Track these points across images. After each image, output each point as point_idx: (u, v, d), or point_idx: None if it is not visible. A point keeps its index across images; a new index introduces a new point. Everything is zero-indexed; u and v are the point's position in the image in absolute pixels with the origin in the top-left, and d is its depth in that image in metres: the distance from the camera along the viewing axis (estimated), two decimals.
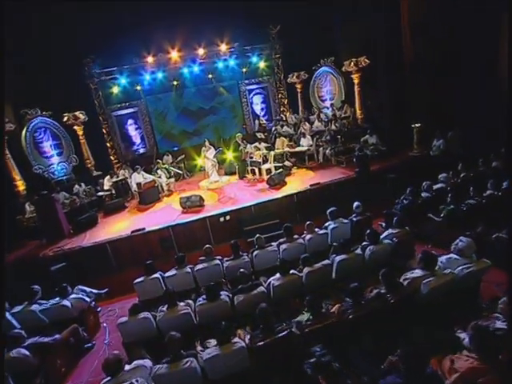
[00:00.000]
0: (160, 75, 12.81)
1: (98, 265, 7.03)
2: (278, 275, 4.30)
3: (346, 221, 5.64)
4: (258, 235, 5.41)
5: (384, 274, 3.65)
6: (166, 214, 8.51)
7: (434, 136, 8.98)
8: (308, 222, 5.56)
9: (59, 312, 4.55)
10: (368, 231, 4.76)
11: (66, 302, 4.65)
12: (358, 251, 4.64)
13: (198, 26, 12.34)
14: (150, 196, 9.76)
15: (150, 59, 12.43)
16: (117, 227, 8.10)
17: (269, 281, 4.28)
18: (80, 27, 10.92)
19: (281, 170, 9.11)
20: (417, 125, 9.06)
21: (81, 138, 11.44)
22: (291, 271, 4.34)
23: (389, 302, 3.43)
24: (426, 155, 9.11)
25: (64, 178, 10.87)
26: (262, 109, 14.15)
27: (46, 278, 6.31)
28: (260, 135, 12.03)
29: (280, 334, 3.11)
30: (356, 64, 10.54)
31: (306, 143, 10.52)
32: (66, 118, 11.03)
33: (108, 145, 12.92)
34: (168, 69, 12.81)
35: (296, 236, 5.47)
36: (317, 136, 10.70)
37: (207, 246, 5.27)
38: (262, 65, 13.60)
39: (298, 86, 13.08)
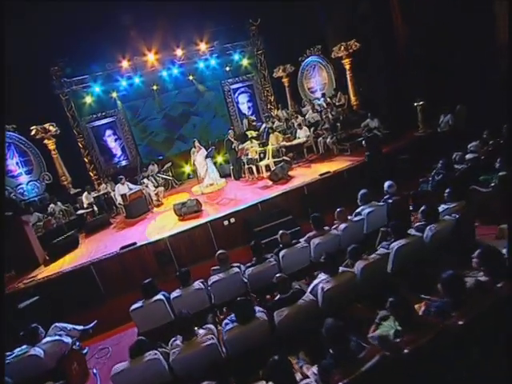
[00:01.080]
0: (137, 80, 11.66)
1: (82, 293, 5.64)
2: (324, 276, 3.16)
3: (380, 203, 4.58)
4: (281, 231, 4.27)
5: (482, 256, 2.58)
6: (158, 224, 7.22)
7: (442, 112, 8.20)
8: (338, 209, 4.47)
9: (27, 365, 3.16)
10: (423, 208, 3.71)
11: (37, 350, 3.24)
12: (415, 233, 3.57)
13: (175, 26, 11.31)
14: (137, 208, 8.46)
15: (125, 63, 11.24)
16: (102, 246, 6.73)
17: (314, 284, 3.13)
18: (42, 29, 9.65)
19: (282, 163, 8.03)
20: (420, 103, 8.26)
21: (53, 152, 9.99)
22: (340, 269, 3.20)
23: (503, 292, 2.34)
24: (432, 133, 8.30)
25: (36, 198, 9.38)
26: (249, 107, 13.21)
27: (16, 319, 4.89)
28: (251, 134, 10.99)
29: (369, 364, 1.95)
30: (346, 48, 9.73)
31: (303, 135, 9.52)
32: (34, 132, 9.60)
33: (86, 159, 11.51)
34: (145, 73, 11.66)
35: (326, 228, 4.35)
36: (313, 127, 9.73)
37: (221, 251, 4.06)
38: (244, 62, 12.76)
39: (285, 79, 12.21)
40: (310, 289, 3.17)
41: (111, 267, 5.94)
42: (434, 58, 8.66)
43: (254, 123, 11.96)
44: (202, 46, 11.74)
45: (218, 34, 11.89)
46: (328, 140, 8.96)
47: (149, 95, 12.07)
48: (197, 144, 8.93)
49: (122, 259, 5.99)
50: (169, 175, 10.97)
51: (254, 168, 8.96)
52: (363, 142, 7.51)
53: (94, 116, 11.64)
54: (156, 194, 9.41)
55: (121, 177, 9.09)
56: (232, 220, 6.48)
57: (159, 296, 3.59)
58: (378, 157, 7.14)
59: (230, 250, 6.28)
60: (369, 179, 6.86)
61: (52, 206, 8.68)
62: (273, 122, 10.96)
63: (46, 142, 9.89)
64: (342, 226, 4.24)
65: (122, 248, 6.06)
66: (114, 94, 11.63)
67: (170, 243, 6.21)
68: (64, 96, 10.97)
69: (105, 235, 7.66)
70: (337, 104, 10.08)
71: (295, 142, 9.42)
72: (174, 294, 3.59)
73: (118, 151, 12.16)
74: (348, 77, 10.18)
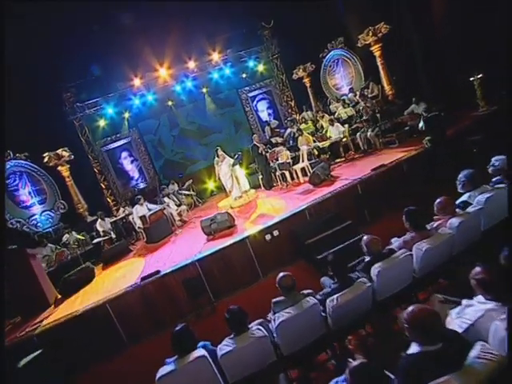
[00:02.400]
0: (150, 97, 10.89)
1: (98, 340, 4.36)
2: (477, 303, 1.73)
3: (502, 185, 3.13)
4: (368, 236, 2.87)
5: None
6: (185, 247, 5.97)
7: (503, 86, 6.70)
8: (439, 200, 3.04)
9: None
10: None
11: None
12: None
13: (185, 38, 10.52)
14: (159, 230, 7.30)
15: (137, 81, 10.52)
16: (120, 278, 5.48)
17: (476, 318, 1.70)
18: (50, 55, 9.00)
19: (322, 163, 6.70)
20: (478, 76, 6.84)
21: (67, 179, 9.11)
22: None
23: None
24: (498, 110, 6.80)
25: (50, 229, 8.37)
26: (270, 114, 12.12)
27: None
28: (275, 140, 9.82)
29: None
30: (374, 33, 8.52)
31: (336, 132, 8.21)
32: (46, 159, 8.78)
33: (102, 185, 10.65)
34: (158, 89, 10.89)
35: (428, 227, 2.93)
36: (347, 123, 8.43)
37: (284, 275, 2.71)
38: (260, 68, 11.79)
39: (306, 79, 11.11)
40: (465, 325, 1.73)
41: (132, 304, 4.65)
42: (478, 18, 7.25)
43: (278, 129, 10.78)
44: (215, 56, 10.96)
45: (230, 41, 11.09)
46: (369, 133, 7.60)
47: (163, 112, 11.26)
48: (220, 152, 7.74)
49: (144, 293, 4.71)
50: (191, 192, 9.82)
51: (288, 173, 7.66)
52: (420, 125, 6.11)
53: (109, 139, 10.89)
54: (179, 214, 8.24)
55: (139, 197, 8.01)
56: (275, 233, 5.13)
57: (199, 352, 2.24)
58: (442, 140, 5.69)
59: (275, 271, 4.98)
60: (434, 168, 5.44)
61: (66, 236, 7.65)
62: (300, 123, 9.78)
63: (59, 168, 9.05)
64: (454, 221, 2.81)
65: (144, 279, 4.78)
66: (127, 115, 10.88)
67: (201, 268, 4.89)
68: (77, 121, 10.31)
69: (124, 265, 6.43)
70: (369, 96, 8.77)
71: (329, 140, 8.09)
72: (224, 349, 2.23)
73: (135, 173, 11.26)
74: (379, 64, 8.91)
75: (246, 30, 11.19)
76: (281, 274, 2.76)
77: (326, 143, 8.06)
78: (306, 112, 10.56)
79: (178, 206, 8.57)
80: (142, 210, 7.79)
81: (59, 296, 5.54)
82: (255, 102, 12.10)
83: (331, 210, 5.29)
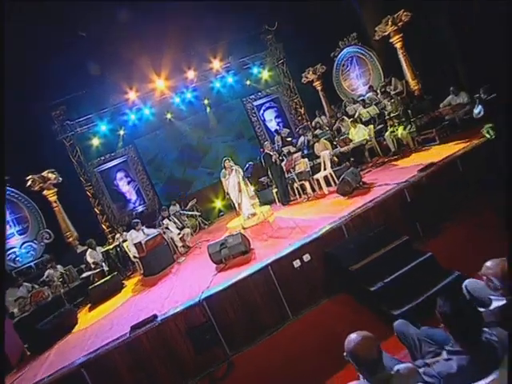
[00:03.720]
0: (147, 111, 10.14)
1: None
2: None
3: None
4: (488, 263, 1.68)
5: None
6: (189, 280, 4.79)
7: None
8: (495, 263, 1.83)
9: None
10: None
11: None
12: None
13: (183, 46, 9.86)
14: (158, 259, 6.18)
15: (132, 95, 9.76)
16: (107, 326, 4.28)
17: None
18: (36, 68, 8.25)
19: (352, 168, 5.58)
20: None
21: (54, 204, 8.09)
22: None
23: None
24: None
25: (32, 263, 7.25)
26: (278, 124, 11.26)
27: None
28: (288, 149, 8.81)
29: None
30: (394, 22, 7.64)
31: (360, 134, 7.16)
32: (30, 182, 7.80)
33: (96, 210, 9.63)
34: (156, 102, 10.14)
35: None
36: (373, 123, 7.41)
37: (359, 336, 1.51)
38: (265, 75, 11.11)
39: (317, 82, 10.25)
40: None
41: (118, 365, 3.43)
42: None
43: (289, 139, 9.80)
44: (216, 64, 10.26)
45: (231, 47, 10.37)
46: (400, 132, 6.51)
47: (161, 126, 10.46)
48: (228, 163, 6.68)
49: (134, 348, 3.49)
50: (195, 213, 8.73)
51: (308, 184, 6.56)
52: (477, 111, 5.02)
53: (103, 158, 10.05)
54: (181, 239, 7.10)
55: (136, 220, 6.87)
56: (306, 258, 3.95)
57: None
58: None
59: (308, 308, 3.80)
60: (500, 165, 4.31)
61: (49, 271, 6.47)
62: (314, 130, 8.79)
63: (45, 193, 8.05)
64: None
65: (135, 328, 3.58)
66: (122, 132, 10.08)
67: (211, 310, 3.69)
68: (68, 141, 9.48)
69: (114, 305, 5.23)
70: (392, 93, 7.77)
71: (352, 144, 7.01)
72: None
73: (132, 195, 10.31)
74: (401, 57, 7.97)
75: (248, 35, 10.46)
76: (353, 336, 1.57)
77: (350, 147, 6.97)
78: (320, 117, 9.63)
79: (181, 229, 7.44)
80: (137, 235, 6.66)
81: (28, 353, 4.32)
82: (262, 111, 11.31)
83: (375, 223, 4.11)
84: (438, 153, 5.33)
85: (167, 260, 6.39)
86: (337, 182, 6.17)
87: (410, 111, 6.67)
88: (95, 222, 9.54)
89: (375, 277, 3.26)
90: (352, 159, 7.19)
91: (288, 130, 10.27)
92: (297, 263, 3.95)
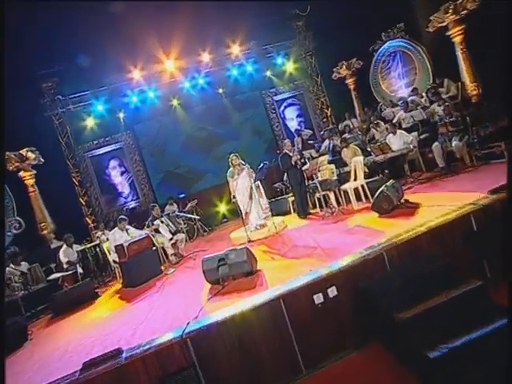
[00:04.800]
0: (152, 94, 9.56)
1: None
2: None
3: None
4: None
5: None
6: (174, 302, 4.01)
7: None
8: None
9: None
10: None
11: None
12: None
13: (199, 24, 9.22)
14: (141, 268, 5.47)
15: (136, 74, 9.20)
16: (57, 356, 3.50)
17: None
18: (30, 31, 7.68)
19: (393, 182, 4.75)
20: None
21: (31, 189, 7.46)
22: None
23: None
24: None
25: None
26: (300, 124, 10.59)
27: None
28: (309, 154, 8.11)
29: None
30: (455, 11, 6.83)
31: (400, 143, 6.36)
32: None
33: (82, 201, 9.04)
34: (162, 85, 9.58)
35: None
36: (415, 131, 6.62)
37: None
38: (290, 67, 10.47)
39: (350, 80, 9.54)
40: None
41: None
42: None
43: (311, 141, 9.10)
44: (235, 49, 9.72)
45: (254, 32, 9.64)
46: (455, 143, 5.68)
47: (166, 113, 9.87)
48: (237, 161, 5.97)
49: None
50: (194, 216, 8.02)
51: (332, 196, 5.78)
52: None
53: (95, 143, 9.46)
54: (173, 245, 6.38)
55: (122, 217, 6.15)
56: (332, 291, 3.14)
57: None
58: None
59: (329, 364, 3.00)
60: None
61: (10, 269, 5.76)
62: (343, 133, 8.10)
63: (22, 174, 7.42)
64: None
65: (88, 365, 2.80)
66: (122, 114, 9.47)
67: (196, 350, 2.90)
68: (57, 118, 8.94)
69: (78, 322, 4.47)
70: (444, 97, 6.95)
71: (391, 153, 6.19)
72: None
73: (124, 188, 9.70)
74: (459, 54, 7.14)
75: (274, 19, 9.81)
76: None
77: (387, 156, 6.15)
78: (350, 120, 8.90)
79: (174, 233, 6.69)
80: (121, 236, 5.95)
81: None
82: (282, 108, 10.67)
83: (428, 255, 3.28)
84: (504, 172, 4.48)
85: (153, 270, 5.66)
86: (369, 196, 5.40)
87: (468, 118, 5.83)
88: (78, 215, 8.96)
89: (434, 336, 2.43)
90: (387, 171, 6.40)
91: (310, 132, 9.60)
92: (318, 298, 3.14)
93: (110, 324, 3.92)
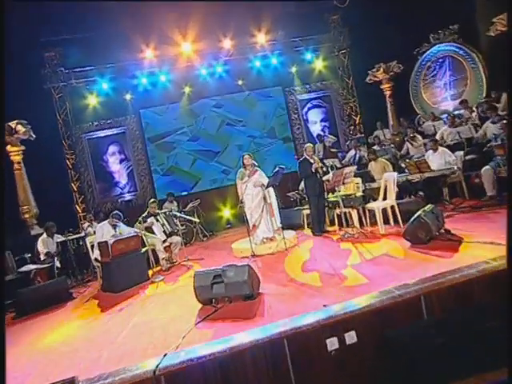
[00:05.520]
0: (163, 78, 9.37)
1: None
2: None
3: None
4: None
5: None
6: (156, 321, 3.56)
7: None
8: None
9: None
10: None
11: None
12: None
13: (223, 6, 8.96)
14: (125, 271, 5.10)
15: (148, 53, 9.01)
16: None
17: None
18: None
19: (431, 206, 4.24)
20: None
21: (16, 166, 7.14)
22: None
23: None
24: None
25: None
26: (323, 129, 10.24)
27: None
28: (332, 163, 7.69)
29: None
30: None
31: (440, 162, 5.85)
32: None
33: (73, 186, 8.85)
34: (176, 69, 9.35)
35: None
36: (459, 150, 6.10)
37: None
38: (319, 64, 10.25)
39: (386, 85, 9.09)
40: None
41: None
42: None
43: (335, 150, 8.67)
44: (260, 38, 9.51)
45: (283, 21, 9.41)
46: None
47: (177, 100, 9.71)
48: (249, 160, 5.57)
49: None
50: (194, 219, 7.69)
51: (355, 214, 5.31)
52: None
53: (96, 124, 9.28)
54: (166, 248, 6.05)
55: (117, 212, 5.78)
56: (350, 337, 2.66)
57: None
58: None
59: None
60: None
61: None
62: (372, 144, 7.69)
63: (8, 149, 7.11)
64: None
65: None
66: (128, 96, 9.27)
67: None
68: (57, 93, 8.76)
69: (39, 332, 4.05)
70: (500, 113, 6.39)
71: (429, 172, 5.67)
72: None
73: (122, 178, 9.50)
74: None
75: (307, 10, 9.44)
76: None
77: (424, 175, 5.65)
78: (382, 130, 8.50)
79: (169, 235, 6.28)
80: (108, 231, 5.57)
81: None
82: (306, 109, 10.39)
83: (482, 306, 2.77)
84: None
85: (138, 275, 5.26)
86: (399, 220, 4.92)
87: None
88: (68, 201, 8.78)
89: None
90: (421, 193, 5.90)
91: (335, 139, 9.17)
92: (332, 344, 2.66)
93: (73, 339, 3.49)
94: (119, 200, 9.30)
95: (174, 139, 9.64)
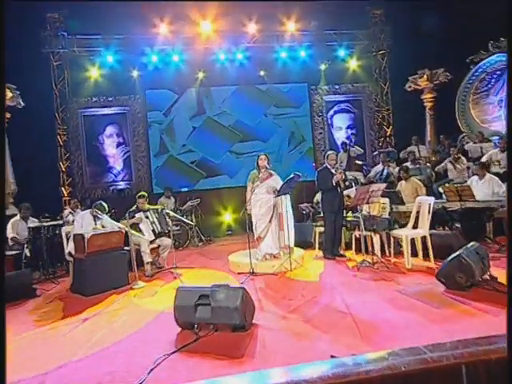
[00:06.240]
0: (176, 58, 9.09)
1: None
2: None
3: None
4: None
5: None
6: (122, 344, 3.16)
7: None
8: None
9: None
10: None
11: None
12: None
13: None
14: (101, 272, 4.77)
15: (162, 29, 8.76)
16: None
17: None
18: None
19: (476, 244, 3.78)
20: None
21: None
22: None
23: None
24: None
25: None
26: (349, 137, 9.81)
27: None
28: (355, 177, 7.34)
29: None
30: None
31: (487, 192, 5.40)
32: None
33: (61, 165, 8.65)
34: (191, 50, 9.08)
35: None
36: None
37: None
38: (353, 63, 9.94)
39: (428, 95, 8.73)
40: None
41: None
42: None
43: (360, 162, 8.44)
44: (290, 27, 9.19)
45: (317, 11, 9.06)
46: None
47: (188, 85, 9.51)
48: (264, 161, 5.23)
49: None
50: (190, 222, 7.48)
51: (378, 240, 4.88)
52: None
53: (95, 100, 9.10)
54: (154, 251, 5.81)
55: (101, 203, 5.48)
56: None
57: None
58: None
59: None
60: None
61: None
62: (404, 160, 7.62)
63: None
64: None
65: None
66: (136, 73, 9.03)
67: None
68: (56, 59, 8.58)
69: None
70: None
71: (473, 202, 5.19)
72: None
73: (117, 163, 9.35)
74: None
75: (346, 1, 9.04)
76: None
77: (465, 205, 5.17)
78: (417, 146, 8.18)
79: (158, 235, 5.90)
80: (89, 223, 5.25)
81: None
82: (332, 113, 10.16)
83: None
84: None
85: (115, 278, 4.90)
86: (431, 254, 4.47)
87: None
88: (53, 182, 8.55)
89: None
90: (458, 225, 5.46)
91: (361, 150, 8.92)
92: None
93: (19, 350, 3.10)
94: (111, 188, 9.11)
95: (180, 128, 9.41)
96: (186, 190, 9.10)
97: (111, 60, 8.65)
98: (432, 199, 4.79)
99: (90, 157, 9.02)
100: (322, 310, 3.48)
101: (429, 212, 4.60)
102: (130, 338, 3.17)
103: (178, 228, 7.49)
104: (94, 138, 9.06)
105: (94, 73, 8.71)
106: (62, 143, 8.61)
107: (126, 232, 5.24)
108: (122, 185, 9.23)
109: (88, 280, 4.64)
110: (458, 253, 3.54)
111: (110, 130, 9.17)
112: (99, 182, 9.11)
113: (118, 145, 9.24)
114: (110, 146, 9.20)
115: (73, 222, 5.95)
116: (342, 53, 9.63)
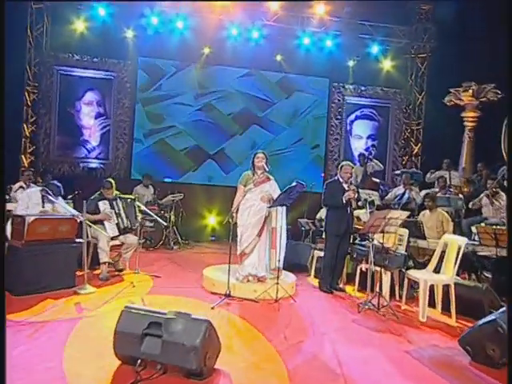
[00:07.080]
0: (180, 25, 8.86)
1: None
2: None
3: None
4: None
5: None
6: (50, 371, 2.70)
7: None
8: None
9: None
10: None
11: None
12: None
13: None
14: (41, 268, 4.46)
15: None
16: None
17: None
18: None
19: None
20: None
21: None
22: None
23: None
24: None
25: None
26: (368, 148, 9.75)
27: None
28: (370, 197, 7.20)
29: None
30: None
31: None
32: None
33: (26, 130, 8.56)
34: (199, 18, 8.85)
35: None
36: None
37: None
38: (386, 64, 9.86)
39: (470, 114, 8.41)
40: None
41: None
42: None
43: (377, 180, 8.41)
44: (319, 9, 8.97)
45: None
46: None
47: (190, 60, 9.31)
48: (261, 162, 4.95)
49: None
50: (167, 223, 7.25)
51: (388, 278, 4.55)
52: None
53: (76, 58, 9.00)
54: (115, 248, 5.59)
55: (52, 182, 5.32)
56: None
57: None
58: None
59: None
60: None
61: None
62: (431, 185, 7.77)
63: None
64: None
65: None
66: (130, 34, 8.80)
67: None
68: (36, 3, 8.42)
69: None
70: None
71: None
72: None
73: (93, 138, 9.17)
74: None
75: None
76: None
77: (501, 251, 4.85)
78: (449, 171, 8.04)
79: (123, 231, 5.50)
80: (37, 203, 4.89)
81: None
82: (353, 117, 10.28)
83: None
84: None
85: (58, 277, 4.55)
86: (453, 307, 4.10)
87: None
88: (12, 147, 8.27)
89: None
90: (489, 275, 5.23)
91: (381, 167, 8.78)
92: None
93: None
94: (81, 165, 9.03)
95: (174, 107, 9.37)
96: (169, 180, 9.00)
97: (103, 13, 8.37)
98: (465, 240, 4.43)
99: (62, 124, 8.88)
100: (306, 363, 3.05)
101: (457, 256, 4.22)
102: (50, 371, 2.68)
103: (152, 225, 7.24)
104: (70, 103, 8.92)
105: (79, 25, 8.44)
106: (29, 102, 8.49)
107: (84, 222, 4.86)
108: (94, 163, 9.16)
109: (20, 275, 4.25)
110: (492, 317, 3.12)
111: (89, 96, 9.04)
112: (68, 156, 9.01)
113: (97, 116, 9.13)
114: (88, 116, 9.05)
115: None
116: (374, 49, 9.51)
